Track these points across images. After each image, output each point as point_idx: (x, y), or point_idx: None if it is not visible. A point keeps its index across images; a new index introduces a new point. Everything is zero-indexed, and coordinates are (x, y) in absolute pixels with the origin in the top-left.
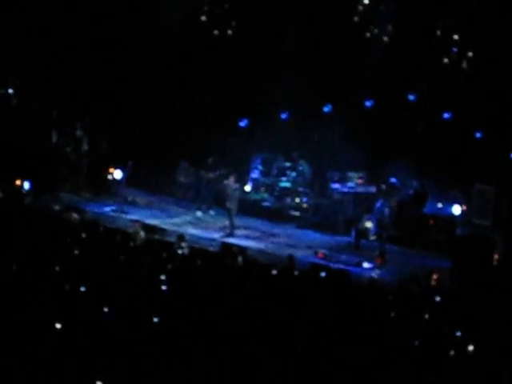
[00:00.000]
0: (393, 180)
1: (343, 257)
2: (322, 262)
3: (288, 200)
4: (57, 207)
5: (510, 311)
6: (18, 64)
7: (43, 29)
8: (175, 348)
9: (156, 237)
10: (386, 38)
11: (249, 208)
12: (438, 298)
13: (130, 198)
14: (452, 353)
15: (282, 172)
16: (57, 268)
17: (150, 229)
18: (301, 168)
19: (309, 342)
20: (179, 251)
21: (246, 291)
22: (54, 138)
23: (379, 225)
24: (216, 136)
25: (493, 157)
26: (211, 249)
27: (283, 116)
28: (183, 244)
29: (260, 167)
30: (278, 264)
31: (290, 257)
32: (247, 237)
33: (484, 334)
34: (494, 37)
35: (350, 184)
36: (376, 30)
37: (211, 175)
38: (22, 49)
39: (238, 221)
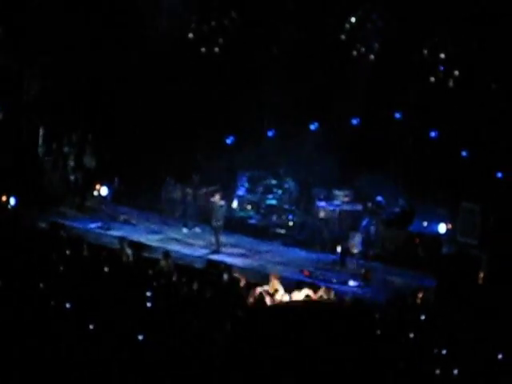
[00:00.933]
0: (379, 198)
1: (329, 274)
2: (307, 279)
3: (274, 217)
4: (42, 224)
5: (493, 330)
6: (5, 78)
7: (33, 43)
8: (160, 364)
9: (142, 254)
10: (372, 57)
11: (235, 225)
12: (423, 317)
13: (121, 218)
14: (437, 372)
15: (268, 189)
16: (41, 285)
17: (136, 246)
18: (287, 185)
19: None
20: (163, 268)
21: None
22: (41, 154)
23: (365, 243)
24: (202, 153)
25: (479, 175)
26: (197, 266)
27: (270, 133)
28: (168, 261)
29: (246, 184)
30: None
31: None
32: (233, 254)
33: (468, 353)
34: (481, 56)
35: (336, 202)
36: (363, 49)
37: (197, 192)
38: (10, 62)
39: (223, 238)
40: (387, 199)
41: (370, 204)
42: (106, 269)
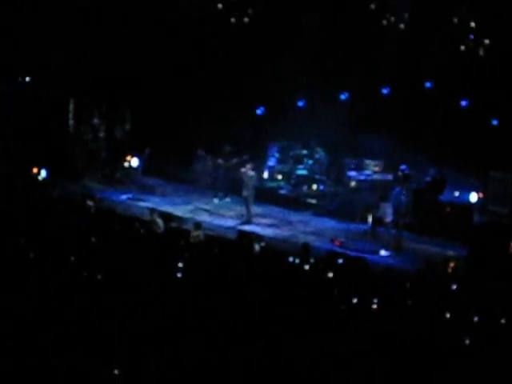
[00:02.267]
0: (403, 167)
1: (360, 244)
2: (338, 249)
3: (305, 188)
4: (73, 195)
5: None
6: (35, 52)
7: (60, 17)
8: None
9: (173, 225)
10: (402, 26)
11: (265, 196)
12: (454, 286)
13: (148, 186)
14: (467, 341)
15: (299, 160)
16: (73, 257)
17: (167, 217)
18: (317, 156)
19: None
20: (195, 239)
21: (263, 278)
22: (71, 126)
23: (396, 212)
24: (233, 124)
25: (510, 144)
26: (228, 236)
27: (300, 104)
28: (199, 232)
29: (277, 155)
30: (295, 251)
31: (305, 244)
32: (264, 225)
33: (499, 323)
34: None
35: (366, 172)
36: (392, 18)
37: (228, 163)
38: (40, 37)
39: (254, 208)
40: (418, 168)
41: (400, 173)
42: (138, 240)
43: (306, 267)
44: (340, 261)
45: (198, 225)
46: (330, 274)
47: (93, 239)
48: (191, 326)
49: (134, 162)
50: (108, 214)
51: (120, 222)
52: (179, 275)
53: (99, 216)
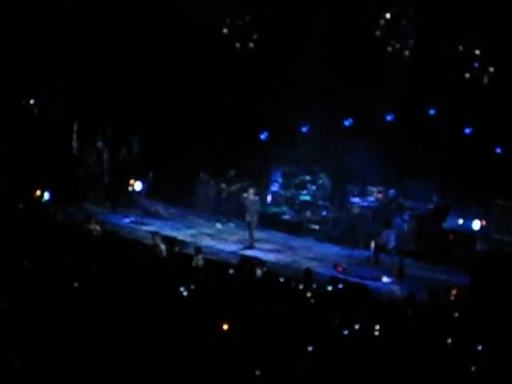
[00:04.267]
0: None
1: (362, 271)
2: (341, 275)
3: (308, 213)
4: (76, 218)
5: None
6: (40, 75)
7: (65, 38)
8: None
9: (176, 249)
10: (407, 53)
11: (268, 221)
12: (456, 314)
13: (152, 209)
14: (473, 369)
15: (302, 185)
16: (76, 283)
17: (169, 241)
18: (321, 181)
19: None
20: (197, 263)
21: (265, 303)
22: (75, 149)
23: (399, 239)
24: (236, 149)
25: None
26: (230, 261)
27: (304, 129)
28: (200, 256)
29: (280, 180)
30: (297, 277)
31: (308, 270)
32: (266, 250)
33: (503, 351)
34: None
35: (369, 198)
36: (398, 45)
37: (231, 188)
38: (44, 59)
39: (257, 234)
40: (422, 196)
41: (402, 200)
42: (141, 264)
43: (309, 294)
44: (342, 287)
45: (198, 249)
46: (332, 300)
47: (94, 263)
48: (190, 350)
49: (138, 185)
50: (111, 238)
51: (122, 246)
52: (182, 299)
53: (102, 239)
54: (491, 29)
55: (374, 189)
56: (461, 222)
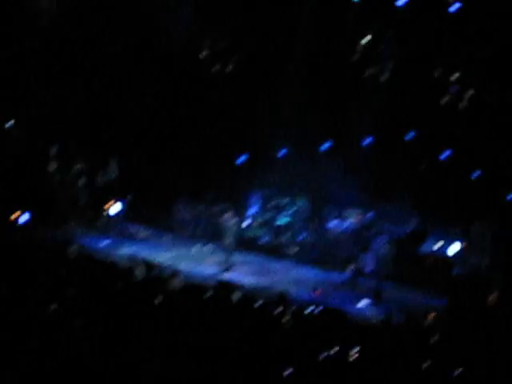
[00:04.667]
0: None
1: (340, 294)
2: (318, 299)
3: (286, 236)
4: (54, 241)
5: (506, 352)
6: (18, 96)
7: (42, 61)
8: None
9: (153, 272)
10: (384, 77)
11: (246, 244)
12: (434, 338)
13: (130, 232)
14: None
15: (281, 208)
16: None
17: (147, 264)
18: (299, 204)
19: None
20: (174, 286)
21: (241, 327)
22: (54, 171)
23: (377, 262)
24: (215, 171)
25: (491, 196)
26: (208, 284)
27: (282, 152)
28: (178, 279)
29: (258, 203)
30: (274, 300)
31: (284, 293)
32: (244, 273)
33: (481, 374)
34: (494, 77)
35: (347, 221)
36: (375, 69)
37: (209, 210)
38: (22, 80)
39: (235, 257)
40: (399, 219)
41: (380, 223)
42: (116, 286)
43: (285, 317)
44: (319, 310)
45: (175, 272)
46: (309, 324)
47: (71, 286)
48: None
49: (116, 207)
50: (88, 260)
51: (100, 268)
52: (158, 322)
53: (79, 262)
54: (469, 53)
55: (352, 212)
56: (439, 245)
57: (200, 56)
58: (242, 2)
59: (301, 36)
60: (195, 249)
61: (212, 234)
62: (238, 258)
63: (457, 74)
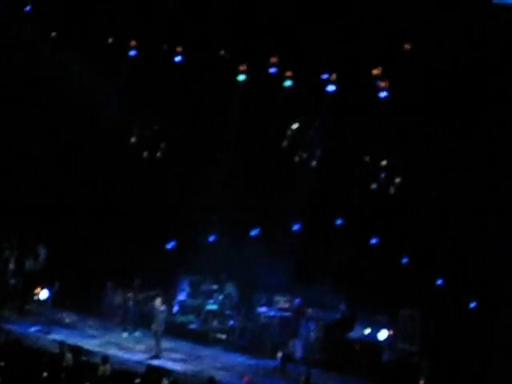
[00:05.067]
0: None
1: (269, 381)
2: None
3: (215, 322)
4: None
5: None
6: None
7: None
8: None
9: (83, 358)
10: (314, 163)
11: (175, 330)
12: None
13: (59, 318)
14: None
15: (209, 294)
16: None
17: (76, 350)
18: (228, 291)
19: None
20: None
21: None
22: None
23: (306, 348)
24: (143, 257)
25: (419, 282)
26: (137, 370)
27: (211, 238)
28: (107, 366)
29: (187, 289)
30: None
31: (212, 380)
32: (173, 359)
33: None
34: (421, 164)
35: (276, 307)
36: (305, 155)
37: (138, 296)
38: None
39: (164, 343)
40: (328, 305)
41: (310, 310)
42: (45, 373)
43: None
44: None
45: (105, 358)
46: None
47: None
48: None
49: (44, 294)
50: (16, 346)
51: (28, 355)
52: None
53: (7, 348)
54: (397, 140)
55: (281, 298)
56: (367, 331)
57: (130, 142)
58: (174, 90)
59: (231, 122)
60: (124, 335)
61: (141, 320)
62: (166, 344)
63: (385, 162)
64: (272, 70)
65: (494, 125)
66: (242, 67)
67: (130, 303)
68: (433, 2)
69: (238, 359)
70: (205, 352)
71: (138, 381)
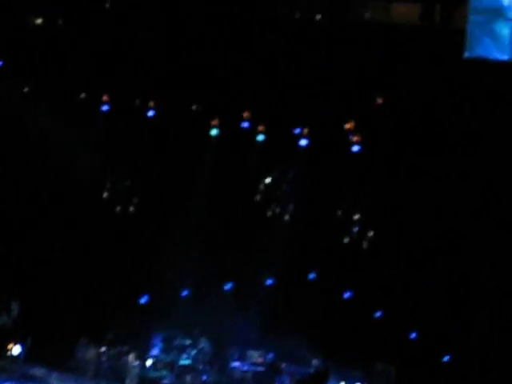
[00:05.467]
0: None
1: None
2: None
3: (188, 378)
4: None
5: None
6: None
7: None
8: None
9: None
10: (287, 217)
11: None
12: None
13: (31, 374)
14: None
15: (183, 349)
16: None
17: None
18: (201, 345)
19: None
20: None
21: None
22: None
23: None
24: (116, 312)
25: (393, 336)
26: None
27: (184, 293)
28: None
29: (160, 344)
30: None
31: None
32: None
33: None
34: (394, 217)
35: (250, 362)
36: (277, 209)
37: (111, 351)
38: None
39: None
40: (301, 359)
41: (283, 364)
42: None
43: None
44: None
45: None
46: None
47: None
48: None
49: (16, 349)
50: None
51: None
52: None
53: None
54: (370, 193)
55: (254, 352)
56: None
57: (102, 197)
58: (147, 144)
59: (203, 177)
60: None
61: (114, 376)
62: None
63: (357, 215)
64: (244, 125)
65: (466, 177)
66: (215, 122)
67: (103, 358)
68: (405, 55)
69: None
70: None
71: None
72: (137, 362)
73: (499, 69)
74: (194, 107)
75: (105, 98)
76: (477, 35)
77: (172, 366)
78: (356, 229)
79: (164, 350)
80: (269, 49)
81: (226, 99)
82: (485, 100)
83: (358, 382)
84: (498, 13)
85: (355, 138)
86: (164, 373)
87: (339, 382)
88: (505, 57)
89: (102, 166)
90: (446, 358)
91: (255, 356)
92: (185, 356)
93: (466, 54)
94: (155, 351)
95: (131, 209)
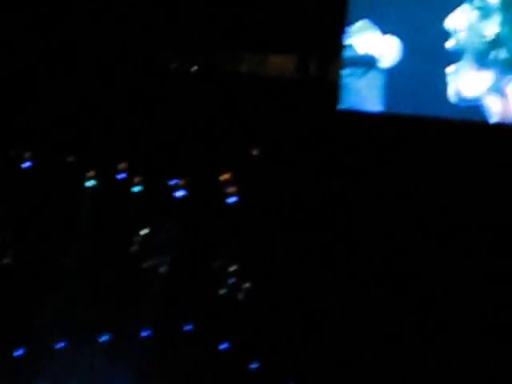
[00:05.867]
0: None
1: None
2: None
3: None
4: None
5: None
6: None
7: None
8: None
9: None
10: (163, 268)
11: None
12: None
13: None
14: None
15: None
16: None
17: None
18: None
19: None
20: None
21: None
22: None
23: None
24: None
25: None
26: None
27: (60, 345)
28: None
29: None
30: None
31: None
32: None
33: None
34: (270, 269)
35: None
36: (153, 260)
37: None
38: None
39: None
40: None
41: None
42: None
43: None
44: None
45: None
46: None
47: None
48: None
49: None
50: None
51: None
52: None
53: None
54: (247, 244)
55: None
56: None
57: None
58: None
59: (79, 229)
60: None
61: None
62: None
63: (234, 266)
64: (121, 176)
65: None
66: (91, 173)
67: None
68: (279, 107)
69: None
70: None
71: None
72: None
73: (371, 121)
74: (69, 159)
75: None
76: (350, 87)
77: None
78: (232, 280)
79: None
80: (145, 100)
81: (102, 150)
82: (358, 151)
83: None
84: (372, 64)
85: (231, 190)
86: None
87: None
88: (379, 108)
89: None
90: None
91: None
92: None
93: (340, 106)
94: None
95: (6, 260)
